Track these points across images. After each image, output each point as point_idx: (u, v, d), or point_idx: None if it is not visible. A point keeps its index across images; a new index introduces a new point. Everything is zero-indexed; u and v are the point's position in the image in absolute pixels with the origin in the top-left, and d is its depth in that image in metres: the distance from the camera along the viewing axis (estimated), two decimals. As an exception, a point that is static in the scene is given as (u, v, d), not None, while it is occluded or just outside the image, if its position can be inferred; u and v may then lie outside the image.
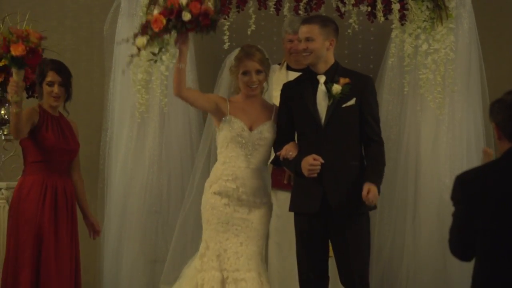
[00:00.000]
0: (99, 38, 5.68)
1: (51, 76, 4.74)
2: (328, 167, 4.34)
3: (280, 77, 5.28)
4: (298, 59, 5.18)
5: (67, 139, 4.75)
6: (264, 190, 4.62)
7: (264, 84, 4.64)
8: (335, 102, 4.39)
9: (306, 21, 4.46)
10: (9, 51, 4.45)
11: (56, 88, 4.70)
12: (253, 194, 4.55)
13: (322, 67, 4.43)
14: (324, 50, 4.38)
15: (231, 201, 4.56)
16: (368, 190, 4.31)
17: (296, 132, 4.57)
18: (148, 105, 5.32)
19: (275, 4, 5.24)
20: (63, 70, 4.76)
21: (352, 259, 4.39)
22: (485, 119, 5.22)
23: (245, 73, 4.55)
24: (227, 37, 5.18)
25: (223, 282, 4.50)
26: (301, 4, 5.18)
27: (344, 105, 4.40)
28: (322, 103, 4.43)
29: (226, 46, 5.12)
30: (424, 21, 5.17)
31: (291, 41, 5.25)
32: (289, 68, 5.33)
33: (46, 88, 4.73)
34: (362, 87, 4.43)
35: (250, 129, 4.58)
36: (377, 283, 5.30)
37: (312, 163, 4.31)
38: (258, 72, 4.55)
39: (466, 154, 5.26)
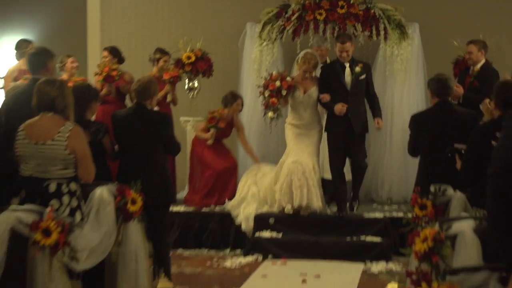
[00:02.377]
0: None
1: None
2: (351, 110, 7.63)
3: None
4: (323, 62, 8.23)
5: None
6: (317, 123, 7.69)
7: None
8: (356, 76, 7.61)
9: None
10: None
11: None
12: (310, 128, 7.69)
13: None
14: None
15: (299, 128, 7.68)
16: (377, 121, 7.70)
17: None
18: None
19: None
20: None
21: (358, 156, 7.79)
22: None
23: (303, 71, 7.59)
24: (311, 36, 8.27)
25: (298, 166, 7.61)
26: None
27: (360, 78, 7.65)
28: (347, 77, 7.57)
29: (310, 43, 8.28)
30: (396, 39, 8.29)
31: (316, 51, 8.09)
32: None
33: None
34: (368, 69, 7.79)
35: (304, 92, 7.59)
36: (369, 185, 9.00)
37: (341, 108, 7.57)
38: (310, 72, 7.61)
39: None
